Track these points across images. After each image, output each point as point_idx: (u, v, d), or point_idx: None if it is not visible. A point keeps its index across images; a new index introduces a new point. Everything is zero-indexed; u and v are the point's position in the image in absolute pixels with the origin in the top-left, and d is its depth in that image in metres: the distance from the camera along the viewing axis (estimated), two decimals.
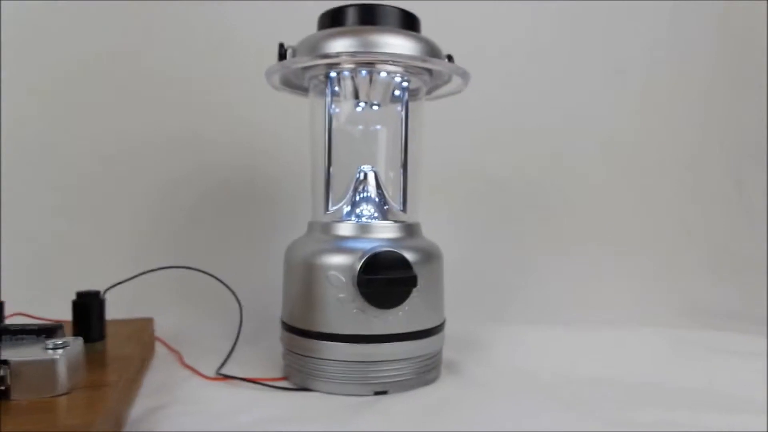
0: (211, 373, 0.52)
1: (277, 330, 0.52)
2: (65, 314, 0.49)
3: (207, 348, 0.59)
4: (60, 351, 0.36)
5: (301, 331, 0.48)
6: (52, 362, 0.35)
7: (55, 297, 0.52)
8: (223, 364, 0.54)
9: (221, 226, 0.73)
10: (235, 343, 0.58)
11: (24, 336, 0.38)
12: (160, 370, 0.53)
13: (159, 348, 0.59)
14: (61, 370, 0.35)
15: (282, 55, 0.50)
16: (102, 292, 0.48)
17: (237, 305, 0.60)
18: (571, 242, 0.83)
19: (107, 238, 0.71)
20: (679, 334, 0.64)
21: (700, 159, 0.90)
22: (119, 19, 0.72)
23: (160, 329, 0.61)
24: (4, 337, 0.38)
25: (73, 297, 0.48)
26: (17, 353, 0.35)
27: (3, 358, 0.34)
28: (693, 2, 0.89)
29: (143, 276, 0.56)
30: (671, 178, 0.89)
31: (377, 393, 0.47)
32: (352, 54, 0.47)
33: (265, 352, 0.58)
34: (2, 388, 0.34)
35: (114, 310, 0.52)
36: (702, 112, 0.91)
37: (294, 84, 0.56)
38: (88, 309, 0.46)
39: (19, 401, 0.34)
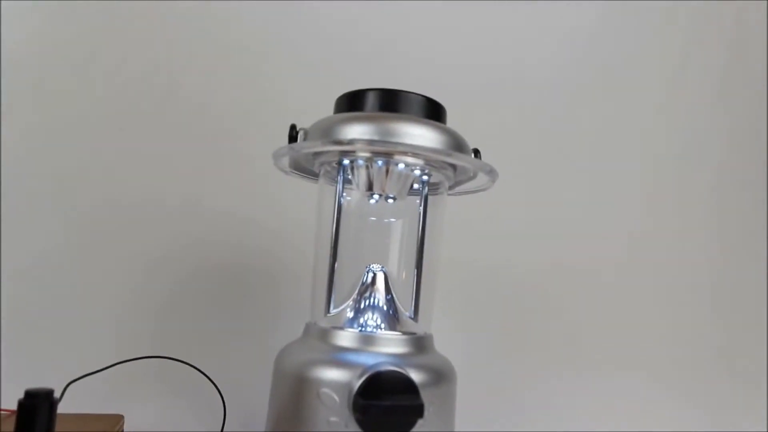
0: None
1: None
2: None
3: None
4: None
5: None
6: None
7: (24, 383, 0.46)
8: None
9: (208, 315, 0.67)
10: None
11: None
12: None
13: None
14: None
15: (293, 137, 0.46)
16: (59, 393, 0.42)
17: (219, 404, 0.53)
18: (597, 360, 0.75)
19: (83, 320, 0.64)
20: None
21: (732, 280, 0.83)
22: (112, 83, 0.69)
23: (135, 426, 0.54)
24: None
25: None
26: None
27: None
28: None
29: (121, 365, 0.50)
30: (704, 297, 0.81)
31: None
32: (368, 142, 0.42)
33: None
34: None
35: (85, 402, 0.47)
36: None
37: (305, 168, 0.52)
38: (34, 413, 0.39)
39: None
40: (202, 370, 0.53)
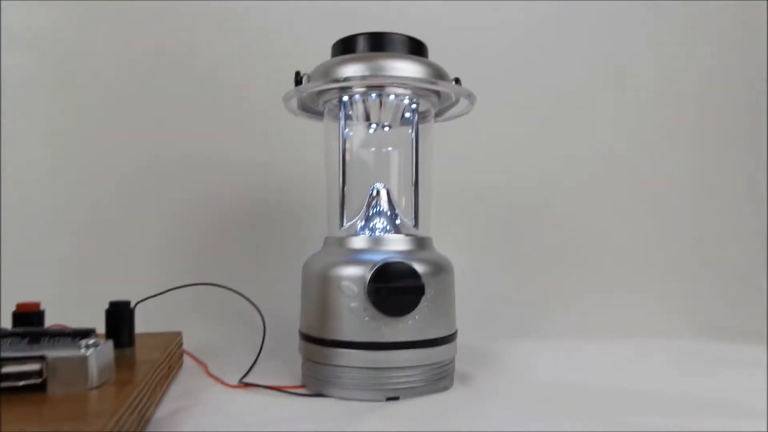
0: (235, 382, 0.55)
1: (297, 343, 0.55)
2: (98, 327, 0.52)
3: (232, 361, 0.61)
4: (92, 349, 0.39)
5: (316, 340, 0.51)
6: (85, 358, 0.38)
7: (87, 312, 0.56)
8: (246, 374, 0.57)
9: (245, 243, 0.78)
10: (258, 355, 0.61)
11: (60, 338, 0.42)
12: (187, 379, 0.57)
13: (186, 360, 0.63)
14: (92, 365, 0.38)
15: (298, 81, 0.54)
16: (133, 304, 0.52)
17: (259, 319, 0.62)
18: (581, 258, 0.86)
19: (133, 255, 0.76)
20: (686, 346, 0.70)
21: (708, 175, 0.93)
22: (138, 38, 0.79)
23: (188, 343, 0.65)
24: (42, 339, 0.41)
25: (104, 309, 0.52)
26: (53, 350, 0.38)
27: (41, 354, 0.38)
28: None
29: (171, 292, 0.59)
30: (680, 195, 0.92)
31: (389, 399, 0.49)
32: (362, 78, 0.51)
33: (286, 363, 0.60)
34: (39, 381, 0.38)
35: (142, 325, 0.56)
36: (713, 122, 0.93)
37: (311, 109, 0.60)
38: (119, 316, 0.49)
39: (54, 394, 0.37)
40: (241, 292, 0.62)
